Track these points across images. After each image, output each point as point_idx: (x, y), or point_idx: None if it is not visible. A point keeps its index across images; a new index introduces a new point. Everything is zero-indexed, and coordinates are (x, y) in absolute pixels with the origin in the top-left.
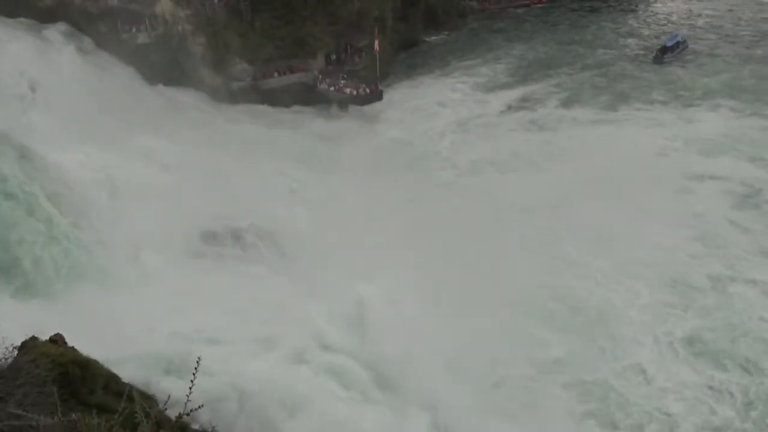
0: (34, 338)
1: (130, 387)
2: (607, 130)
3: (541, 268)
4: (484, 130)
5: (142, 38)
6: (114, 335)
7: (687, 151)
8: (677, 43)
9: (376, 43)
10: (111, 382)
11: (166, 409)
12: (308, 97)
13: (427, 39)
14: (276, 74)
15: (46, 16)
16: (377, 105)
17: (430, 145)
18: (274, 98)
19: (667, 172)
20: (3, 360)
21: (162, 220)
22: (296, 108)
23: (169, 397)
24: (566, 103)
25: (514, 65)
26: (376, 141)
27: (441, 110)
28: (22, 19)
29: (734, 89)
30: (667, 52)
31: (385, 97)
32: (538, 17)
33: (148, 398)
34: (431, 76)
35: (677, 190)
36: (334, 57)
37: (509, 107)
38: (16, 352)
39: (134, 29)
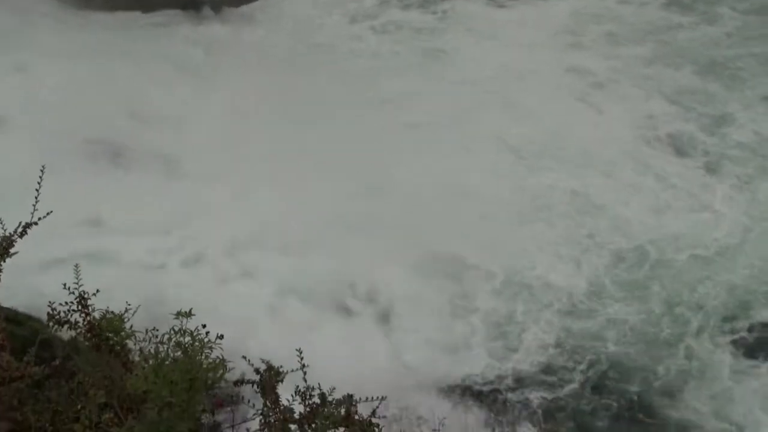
0: None
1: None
2: None
3: None
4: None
5: None
6: None
7: None
8: None
9: None
10: None
11: None
12: None
13: None
14: None
15: None
16: (252, 6)
17: (298, 56)
18: (140, 2)
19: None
20: None
21: (31, 140)
22: (164, 12)
23: None
24: None
25: None
26: (251, 46)
27: (315, 14)
28: None
29: None
30: None
31: None
32: None
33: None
34: None
35: None
36: None
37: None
38: None
39: None
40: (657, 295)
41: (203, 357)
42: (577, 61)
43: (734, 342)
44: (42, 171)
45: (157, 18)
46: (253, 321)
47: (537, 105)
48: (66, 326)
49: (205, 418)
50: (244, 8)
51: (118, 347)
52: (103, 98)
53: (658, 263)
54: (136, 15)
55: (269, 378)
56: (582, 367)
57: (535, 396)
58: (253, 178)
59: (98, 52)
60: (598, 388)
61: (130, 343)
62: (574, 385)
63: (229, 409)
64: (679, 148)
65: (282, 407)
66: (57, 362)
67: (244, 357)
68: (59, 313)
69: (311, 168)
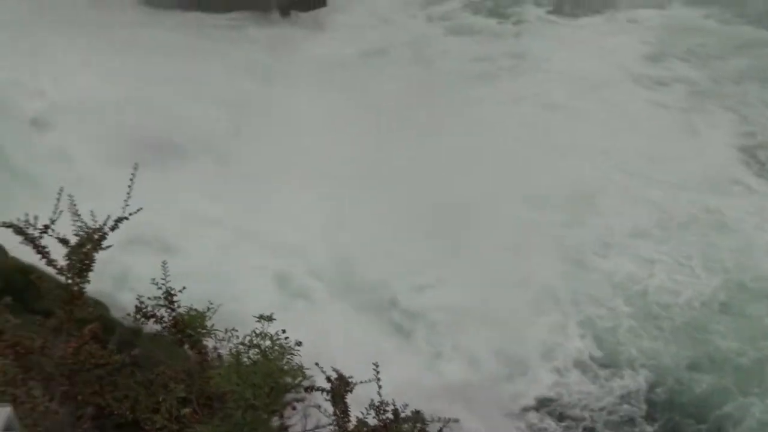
0: None
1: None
2: None
3: None
4: (423, 42)
5: None
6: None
7: None
8: None
9: None
10: (59, 289)
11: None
12: (247, 2)
13: None
14: None
15: None
16: (322, 12)
17: (373, 57)
18: (210, 2)
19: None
20: None
21: (95, 130)
22: (235, 14)
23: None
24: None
25: None
26: (319, 50)
27: (382, 22)
28: None
29: None
30: None
31: (331, 3)
32: None
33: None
34: None
35: None
36: None
37: (445, 19)
38: None
39: None
40: None
41: (284, 362)
42: (662, 73)
43: None
44: (135, 169)
45: (225, 20)
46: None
47: (630, 118)
48: (152, 320)
49: (276, 420)
50: (312, 12)
51: (199, 344)
52: (170, 94)
53: None
54: (206, 16)
55: (340, 387)
56: None
57: None
58: (312, 180)
59: (168, 49)
60: None
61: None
62: None
63: (300, 413)
64: None
65: (357, 419)
66: (136, 351)
67: (317, 364)
68: (147, 306)
69: (389, 173)
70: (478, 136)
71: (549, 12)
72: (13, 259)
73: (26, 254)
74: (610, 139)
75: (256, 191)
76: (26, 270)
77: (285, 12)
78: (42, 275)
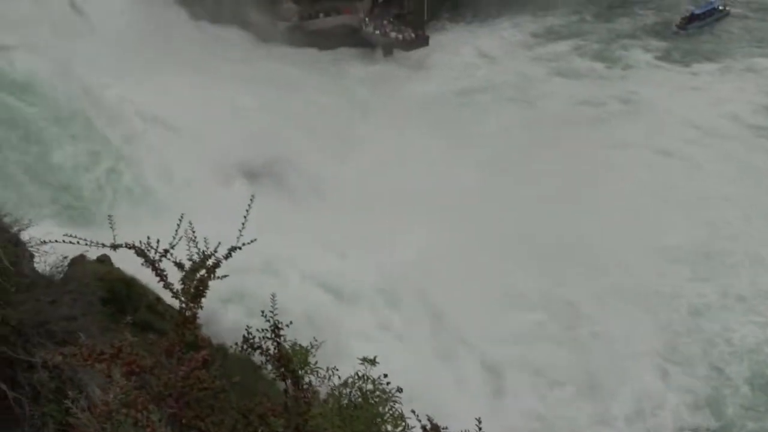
0: (82, 256)
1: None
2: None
3: None
4: (522, 86)
5: None
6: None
7: None
8: (711, 10)
9: None
10: (155, 304)
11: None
12: (353, 40)
13: None
14: (322, 15)
15: None
16: (423, 51)
17: (475, 95)
18: (318, 40)
19: None
20: (55, 269)
21: (204, 152)
22: (341, 51)
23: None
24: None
25: (559, 23)
26: (419, 87)
27: (485, 62)
28: None
29: None
30: (695, 20)
31: (431, 43)
32: None
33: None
34: (478, 27)
35: None
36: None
37: (551, 60)
38: (66, 267)
39: None
40: None
41: (386, 408)
42: None
43: None
44: (251, 200)
45: (332, 55)
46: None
47: (752, 170)
48: (258, 351)
49: None
50: (415, 53)
51: (300, 379)
52: (278, 122)
53: None
54: (313, 51)
55: None
56: None
57: None
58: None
59: (277, 81)
60: None
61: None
62: None
63: None
64: None
65: None
66: (237, 379)
67: (413, 412)
68: (254, 337)
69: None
70: (587, 179)
71: (658, 57)
72: (117, 270)
73: (135, 270)
74: (732, 191)
75: (353, 221)
76: (128, 281)
77: (388, 51)
78: (142, 291)
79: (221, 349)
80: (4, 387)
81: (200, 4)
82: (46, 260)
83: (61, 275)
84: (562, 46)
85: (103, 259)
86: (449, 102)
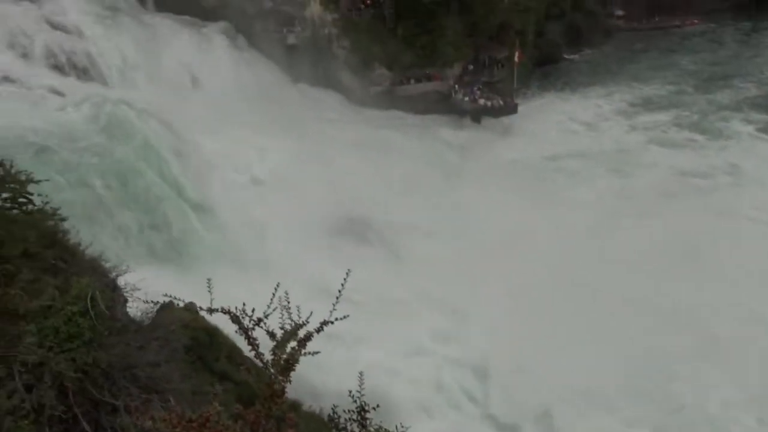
0: (171, 302)
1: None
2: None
3: None
4: (617, 154)
5: (291, 39)
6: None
7: None
8: None
9: (516, 55)
10: (234, 353)
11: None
12: (443, 106)
13: (568, 56)
14: (413, 81)
15: (209, 15)
16: (511, 118)
17: (564, 162)
18: (409, 105)
19: None
20: (145, 315)
21: (296, 209)
22: (430, 116)
23: None
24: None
25: (657, 93)
26: (507, 153)
27: (577, 129)
28: (187, 17)
29: None
30: None
31: (520, 110)
32: (690, 38)
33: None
34: (569, 94)
35: None
36: (470, 67)
37: (647, 134)
38: (155, 313)
39: (285, 30)
40: None
41: None
42: None
43: None
44: (347, 274)
45: (422, 120)
46: None
47: None
48: None
49: None
50: (504, 120)
51: None
52: (364, 182)
53: None
54: (405, 115)
55: None
56: None
57: None
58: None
59: (369, 143)
60: None
61: None
62: None
63: None
64: None
65: None
66: None
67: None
68: (339, 418)
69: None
70: (691, 251)
71: (759, 129)
72: (202, 318)
73: (213, 320)
74: None
75: (434, 286)
76: (211, 331)
77: (476, 118)
78: (223, 341)
79: (295, 405)
80: (88, 429)
81: (299, 68)
82: (138, 306)
83: (149, 321)
84: (662, 116)
85: (189, 307)
86: (538, 168)
